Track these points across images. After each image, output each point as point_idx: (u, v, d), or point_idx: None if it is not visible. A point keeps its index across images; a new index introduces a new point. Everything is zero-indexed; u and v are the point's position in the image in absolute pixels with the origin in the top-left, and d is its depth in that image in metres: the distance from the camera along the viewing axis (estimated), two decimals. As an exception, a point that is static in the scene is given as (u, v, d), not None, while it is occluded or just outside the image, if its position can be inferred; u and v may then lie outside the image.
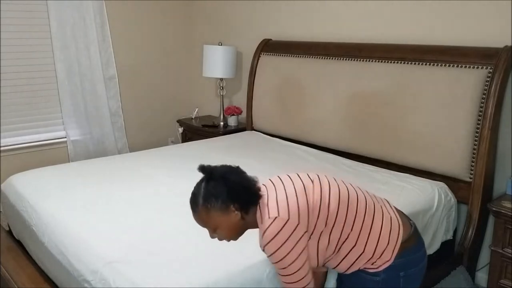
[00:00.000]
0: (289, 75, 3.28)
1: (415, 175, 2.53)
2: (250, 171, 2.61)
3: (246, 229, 1.47)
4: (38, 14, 3.47)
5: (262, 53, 3.53)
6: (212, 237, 1.46)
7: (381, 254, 1.42)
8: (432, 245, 2.31)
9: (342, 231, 1.40)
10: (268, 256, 1.38)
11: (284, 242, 1.32)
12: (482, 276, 2.50)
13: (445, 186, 2.44)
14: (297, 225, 1.34)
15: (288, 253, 1.33)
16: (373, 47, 2.83)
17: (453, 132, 2.38)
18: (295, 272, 1.36)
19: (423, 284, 2.04)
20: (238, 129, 3.76)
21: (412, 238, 1.49)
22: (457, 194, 2.44)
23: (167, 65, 4.31)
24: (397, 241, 1.44)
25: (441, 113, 2.42)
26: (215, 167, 1.45)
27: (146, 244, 1.78)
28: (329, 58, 3.04)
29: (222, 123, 3.86)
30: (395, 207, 1.59)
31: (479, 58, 2.33)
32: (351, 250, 1.42)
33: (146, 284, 1.53)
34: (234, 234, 1.45)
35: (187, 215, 2.05)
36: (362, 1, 2.95)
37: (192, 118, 4.08)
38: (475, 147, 2.33)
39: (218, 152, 3.01)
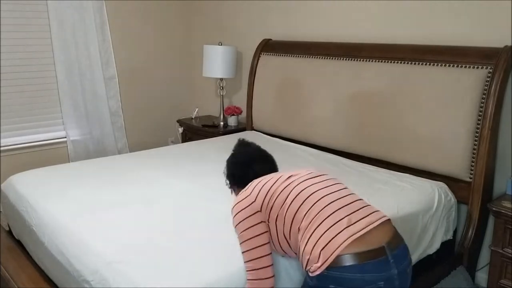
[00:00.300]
0: (289, 75, 3.28)
1: (415, 175, 2.53)
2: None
3: None
4: (38, 14, 3.47)
5: (262, 53, 3.53)
6: None
7: (318, 259, 1.38)
8: (432, 245, 2.31)
9: (291, 223, 1.50)
10: (234, 226, 1.61)
11: (240, 211, 1.58)
12: (482, 276, 2.50)
13: (445, 186, 2.44)
14: (252, 202, 1.56)
15: (241, 222, 1.57)
16: (373, 47, 2.83)
17: (453, 132, 2.38)
18: (251, 249, 1.54)
19: (423, 284, 2.04)
20: (238, 129, 3.76)
21: (365, 257, 1.36)
22: (457, 194, 2.44)
23: (167, 65, 4.31)
24: (333, 252, 1.36)
25: (441, 113, 2.42)
26: (242, 148, 1.88)
27: (146, 244, 1.78)
28: (329, 58, 3.04)
29: (222, 123, 3.86)
30: (384, 224, 1.46)
31: (479, 58, 2.33)
32: (299, 244, 1.47)
33: (146, 284, 1.53)
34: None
35: (187, 215, 2.05)
36: (362, 1, 2.95)
37: (192, 118, 4.08)
38: (475, 147, 2.33)
39: (218, 152, 3.00)
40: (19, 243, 2.44)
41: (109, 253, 1.72)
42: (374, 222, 1.43)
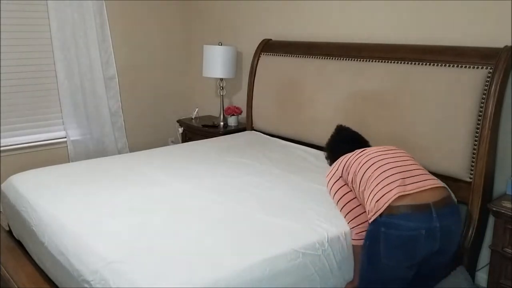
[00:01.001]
0: (289, 75, 3.28)
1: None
2: (250, 171, 2.62)
3: None
4: (38, 14, 3.47)
5: (262, 53, 3.53)
6: None
7: (373, 208, 1.75)
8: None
9: (359, 185, 1.88)
10: (331, 197, 2.03)
11: (333, 184, 2.00)
12: (482, 276, 2.50)
13: (445, 186, 2.43)
14: (336, 170, 2.00)
15: (336, 193, 1.98)
16: (373, 47, 2.83)
17: (453, 132, 2.38)
18: (350, 211, 1.94)
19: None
20: (238, 129, 3.76)
21: (411, 208, 1.71)
22: (457, 194, 2.43)
23: (167, 65, 4.31)
24: (385, 203, 1.72)
25: (441, 113, 2.42)
26: (340, 131, 2.31)
27: (146, 244, 1.78)
28: (329, 58, 3.04)
29: (222, 123, 3.86)
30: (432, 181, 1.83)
31: (479, 58, 2.32)
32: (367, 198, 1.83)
33: (146, 285, 1.53)
34: None
35: (187, 215, 2.05)
36: (362, 1, 2.95)
37: (192, 118, 4.08)
38: (475, 147, 2.33)
39: (218, 152, 3.01)
40: (19, 243, 2.44)
41: (109, 253, 1.72)
42: (425, 186, 1.77)
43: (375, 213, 1.74)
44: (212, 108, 4.25)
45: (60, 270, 1.89)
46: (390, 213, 1.71)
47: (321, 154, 2.95)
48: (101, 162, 2.86)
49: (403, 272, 1.77)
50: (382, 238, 1.73)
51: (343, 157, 2.02)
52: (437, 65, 2.47)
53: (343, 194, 1.95)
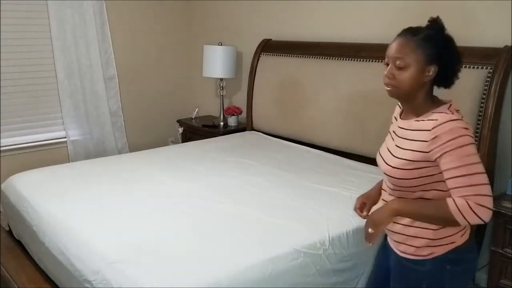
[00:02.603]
0: (289, 75, 3.28)
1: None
2: (250, 171, 2.62)
3: (413, 98, 1.39)
4: (38, 14, 3.46)
5: (262, 53, 3.53)
6: (387, 74, 1.38)
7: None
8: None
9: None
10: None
11: (466, 134, 1.29)
12: (482, 276, 2.50)
13: (445, 186, 2.44)
14: (470, 130, 1.32)
15: (468, 145, 1.29)
16: (373, 47, 2.83)
17: (453, 132, 2.38)
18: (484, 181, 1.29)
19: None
20: (238, 129, 3.76)
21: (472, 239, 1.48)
22: (457, 194, 2.44)
23: (167, 65, 4.31)
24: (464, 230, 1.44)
25: (441, 113, 2.42)
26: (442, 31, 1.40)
27: (148, 244, 1.78)
28: (329, 58, 3.04)
29: (222, 123, 3.86)
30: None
31: (479, 58, 2.33)
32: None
33: (148, 284, 1.53)
34: (408, 86, 1.36)
35: (187, 215, 2.06)
36: (363, 1, 2.95)
37: (192, 118, 4.08)
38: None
39: (218, 152, 3.01)
40: (19, 243, 2.44)
41: (110, 253, 1.72)
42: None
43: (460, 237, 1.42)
44: (212, 108, 4.25)
45: (61, 270, 1.89)
46: (459, 246, 1.42)
47: (322, 154, 2.97)
48: (101, 162, 2.86)
49: None
50: (447, 277, 1.43)
51: (463, 121, 1.31)
52: (437, 65, 2.47)
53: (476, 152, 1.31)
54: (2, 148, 3.40)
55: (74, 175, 2.56)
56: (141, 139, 4.14)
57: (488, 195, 1.27)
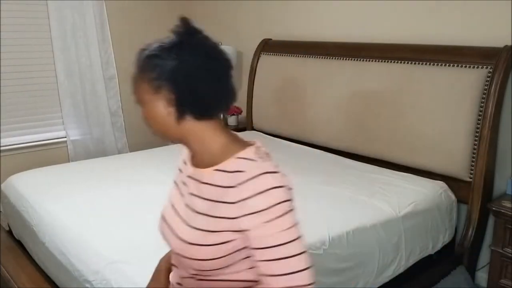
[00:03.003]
0: (289, 75, 3.28)
1: (415, 175, 2.53)
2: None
3: (185, 142, 1.07)
4: (38, 14, 3.46)
5: (262, 53, 3.53)
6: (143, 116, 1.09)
7: None
8: (432, 245, 2.31)
9: None
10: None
11: (282, 193, 1.08)
12: (482, 276, 2.50)
13: (445, 186, 2.44)
14: (289, 189, 1.13)
15: (284, 203, 1.07)
16: (373, 47, 2.83)
17: (453, 132, 2.39)
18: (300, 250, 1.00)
19: (423, 283, 2.05)
20: (238, 129, 3.76)
21: None
22: (457, 194, 2.44)
23: (167, 65, 4.31)
24: None
25: (441, 113, 2.42)
26: (200, 35, 1.04)
27: (148, 244, 1.77)
28: (329, 58, 3.04)
29: (222, 123, 3.85)
30: None
31: (479, 58, 2.33)
32: None
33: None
34: (158, 130, 1.10)
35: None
36: (363, 1, 2.95)
37: (192, 118, 4.07)
38: (475, 147, 2.33)
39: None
40: (19, 243, 2.44)
41: (110, 253, 1.72)
42: None
43: None
44: (212, 108, 4.25)
45: (61, 270, 1.89)
46: None
47: (322, 154, 2.96)
48: (101, 162, 2.86)
49: None
50: None
51: (278, 174, 1.05)
52: (437, 65, 2.47)
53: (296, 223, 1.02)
54: (2, 148, 3.40)
55: (74, 175, 2.56)
56: (141, 139, 4.13)
57: (309, 284, 0.95)
